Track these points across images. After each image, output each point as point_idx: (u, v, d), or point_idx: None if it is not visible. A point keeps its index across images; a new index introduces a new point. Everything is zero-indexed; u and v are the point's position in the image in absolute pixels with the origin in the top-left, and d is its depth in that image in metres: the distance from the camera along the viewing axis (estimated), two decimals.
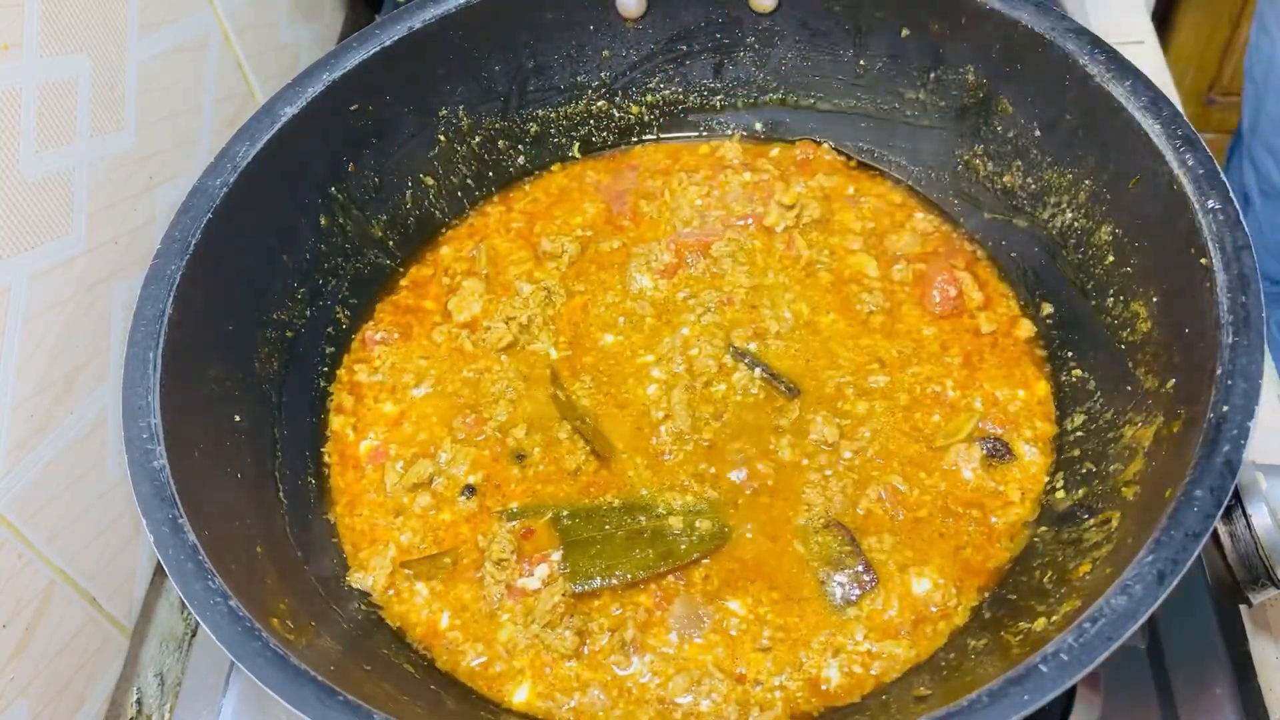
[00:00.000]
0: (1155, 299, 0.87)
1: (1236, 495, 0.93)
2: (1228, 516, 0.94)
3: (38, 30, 0.86)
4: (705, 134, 1.22)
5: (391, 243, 1.13)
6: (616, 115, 1.21)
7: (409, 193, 1.14)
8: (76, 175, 0.92)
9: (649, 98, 1.20)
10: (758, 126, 1.21)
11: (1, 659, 0.83)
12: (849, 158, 1.18)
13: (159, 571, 1.06)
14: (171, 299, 0.85)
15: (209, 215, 0.90)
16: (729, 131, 1.22)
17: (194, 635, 1.07)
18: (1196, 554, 0.66)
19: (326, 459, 1.01)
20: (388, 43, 1.02)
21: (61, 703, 0.90)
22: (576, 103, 1.19)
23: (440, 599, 0.92)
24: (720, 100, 1.20)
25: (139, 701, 1.02)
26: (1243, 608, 0.98)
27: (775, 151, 1.20)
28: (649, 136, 1.22)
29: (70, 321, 0.91)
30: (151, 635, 1.05)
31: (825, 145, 1.19)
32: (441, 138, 1.14)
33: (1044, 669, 0.63)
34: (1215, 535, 0.94)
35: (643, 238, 1.14)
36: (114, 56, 0.97)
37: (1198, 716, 0.90)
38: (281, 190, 0.99)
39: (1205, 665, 0.92)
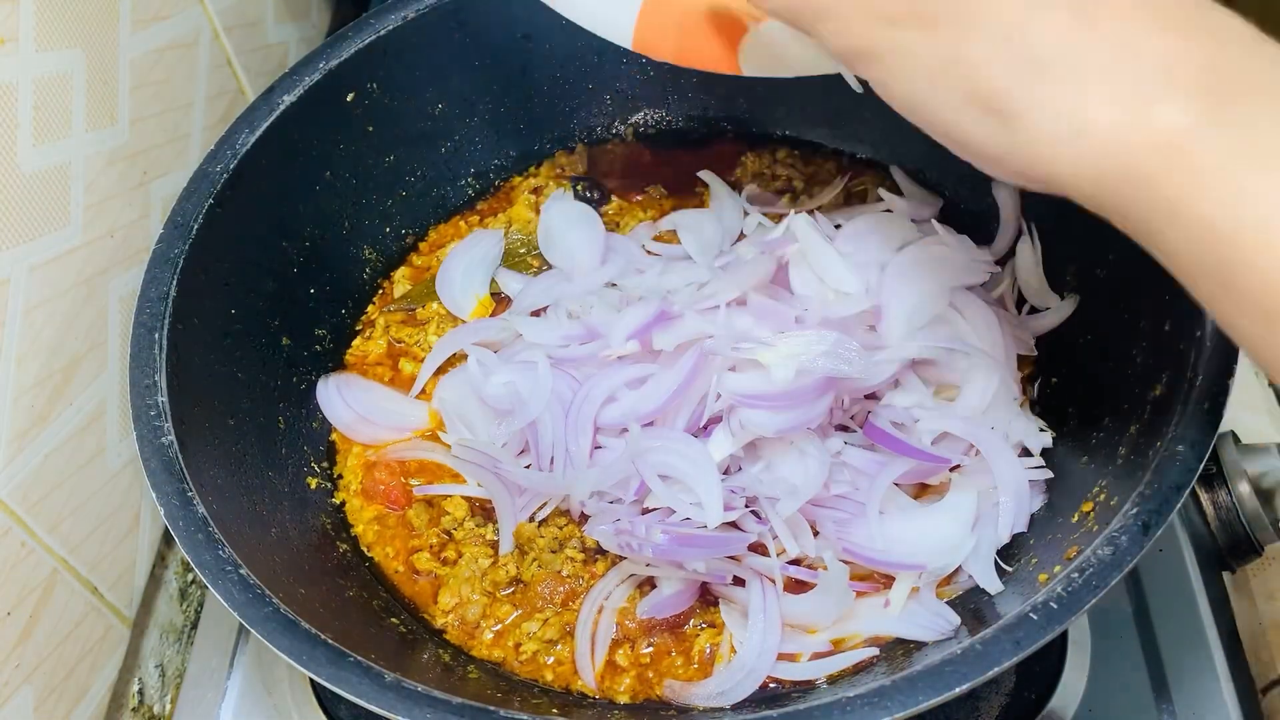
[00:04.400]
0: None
1: (1219, 465, 0.96)
2: (1210, 485, 0.97)
3: (33, 25, 0.88)
4: None
5: (389, 229, 1.15)
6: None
7: (410, 179, 1.16)
8: (73, 168, 0.93)
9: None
10: None
11: (6, 647, 0.84)
12: None
13: (157, 564, 1.07)
14: (175, 281, 0.87)
15: (210, 200, 0.92)
16: None
17: (194, 627, 1.08)
18: (1179, 505, 0.68)
19: (333, 439, 1.04)
20: (383, 31, 1.03)
21: (65, 691, 0.91)
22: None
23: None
24: None
25: (140, 692, 1.03)
26: (1225, 574, 1.00)
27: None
28: None
29: (69, 313, 0.92)
30: (151, 627, 1.06)
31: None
32: (443, 127, 1.16)
33: (1034, 617, 0.65)
34: (1199, 503, 0.96)
35: None
36: (107, 52, 0.98)
37: (1184, 679, 0.92)
38: (281, 176, 1.01)
39: (1191, 629, 0.94)
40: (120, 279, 0.99)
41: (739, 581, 0.87)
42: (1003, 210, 1.06)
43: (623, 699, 0.85)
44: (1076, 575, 0.67)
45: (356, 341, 1.10)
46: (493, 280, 1.11)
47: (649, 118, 1.24)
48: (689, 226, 1.11)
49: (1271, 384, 1.11)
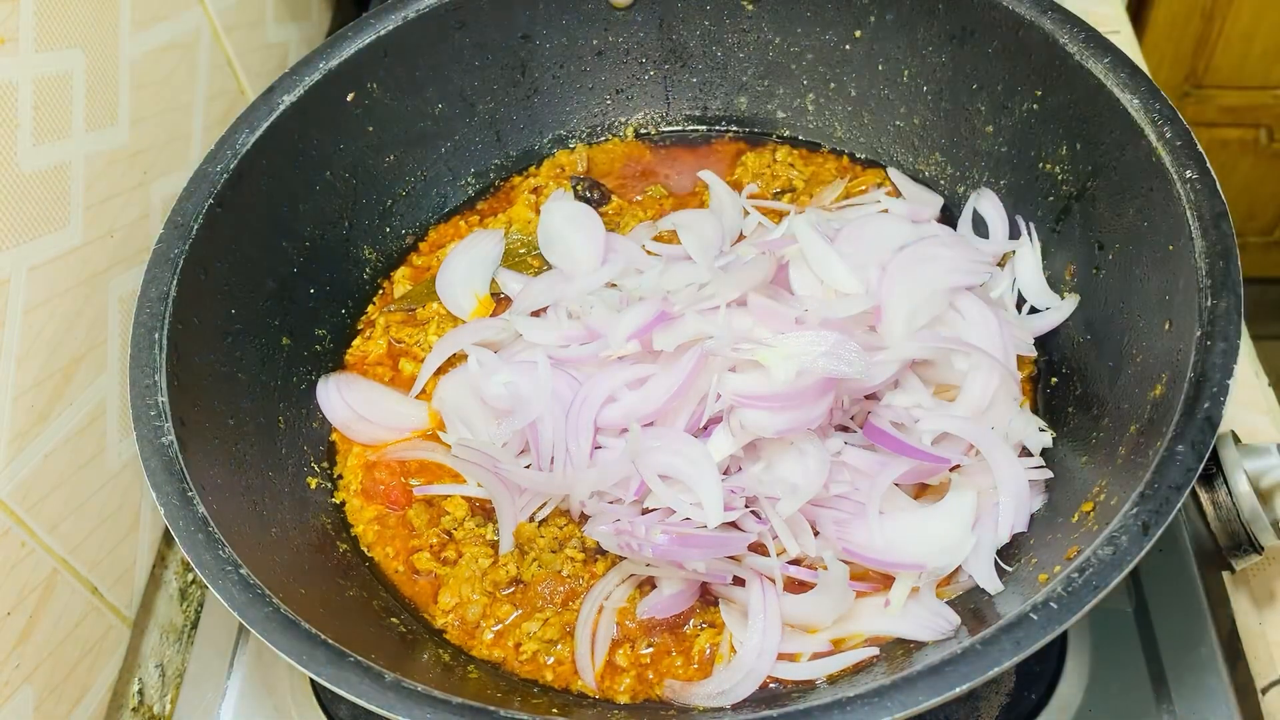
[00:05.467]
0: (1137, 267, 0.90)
1: (1219, 465, 0.96)
2: (1210, 485, 0.97)
3: (33, 25, 0.88)
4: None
5: (389, 229, 1.15)
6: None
7: (410, 179, 1.16)
8: (73, 169, 0.93)
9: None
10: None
11: (6, 646, 0.84)
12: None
13: (157, 564, 1.07)
14: (175, 281, 0.87)
15: (210, 200, 0.93)
16: None
17: (194, 627, 1.08)
18: (1179, 506, 0.68)
19: (333, 439, 1.04)
20: (383, 31, 1.04)
21: (65, 691, 0.91)
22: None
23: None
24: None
25: (140, 691, 1.03)
26: (1225, 574, 1.00)
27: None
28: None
29: (69, 313, 0.92)
30: (151, 627, 1.06)
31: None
32: (443, 127, 1.16)
33: (1034, 617, 0.65)
34: (1199, 503, 0.96)
35: None
36: (107, 52, 0.98)
37: (1185, 679, 0.92)
38: (281, 176, 1.01)
39: (1191, 629, 0.94)
40: (120, 279, 0.99)
41: (739, 581, 0.87)
42: (988, 218, 1.06)
43: (623, 699, 0.85)
44: (1076, 575, 0.67)
45: (356, 341, 1.10)
46: (493, 280, 1.11)
47: (649, 118, 1.25)
48: (689, 226, 1.11)
49: (1272, 384, 1.11)
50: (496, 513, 0.95)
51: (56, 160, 0.91)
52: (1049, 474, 0.90)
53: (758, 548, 0.86)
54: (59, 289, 0.91)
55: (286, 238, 1.03)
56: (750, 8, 1.15)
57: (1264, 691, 0.94)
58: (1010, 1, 0.97)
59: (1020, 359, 0.97)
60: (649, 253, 1.10)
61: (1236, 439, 0.97)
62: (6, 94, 0.84)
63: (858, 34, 1.12)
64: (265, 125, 0.97)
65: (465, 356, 1.02)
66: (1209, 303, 0.76)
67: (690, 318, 0.88)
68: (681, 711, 0.82)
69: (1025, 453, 0.92)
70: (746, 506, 0.86)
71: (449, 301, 1.10)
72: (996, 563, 0.85)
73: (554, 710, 0.80)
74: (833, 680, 0.83)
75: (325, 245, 1.08)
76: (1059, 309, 0.99)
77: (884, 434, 0.88)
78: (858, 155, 1.19)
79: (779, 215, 1.13)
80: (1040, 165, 1.01)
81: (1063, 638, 0.93)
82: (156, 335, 0.84)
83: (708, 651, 0.86)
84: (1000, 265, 1.04)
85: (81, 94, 0.94)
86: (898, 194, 1.14)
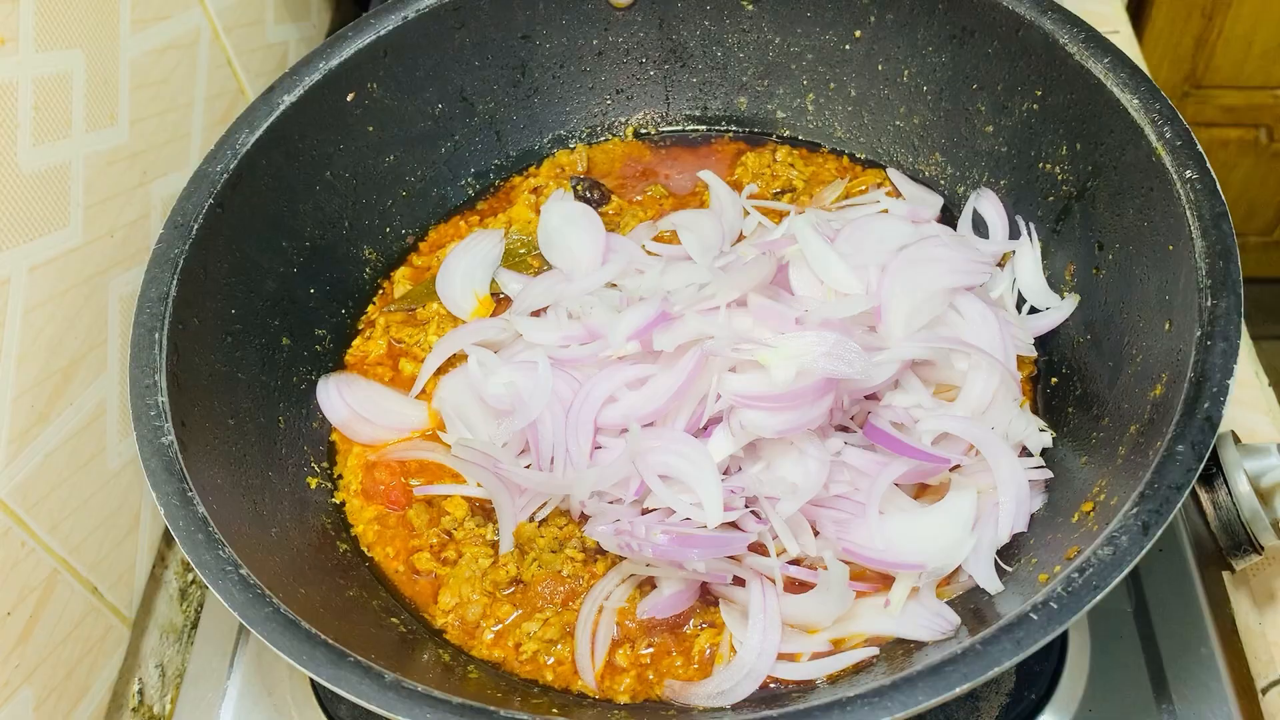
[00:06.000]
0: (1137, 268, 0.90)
1: (1219, 465, 0.96)
2: (1210, 485, 0.97)
3: (32, 25, 0.88)
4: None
5: (389, 229, 1.15)
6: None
7: (410, 179, 1.16)
8: (73, 168, 0.93)
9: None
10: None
11: (6, 647, 0.84)
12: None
13: (157, 564, 1.07)
14: (175, 281, 0.87)
15: (210, 200, 0.93)
16: None
17: (194, 627, 1.08)
18: (1179, 506, 0.68)
19: (333, 439, 1.04)
20: (383, 31, 1.04)
21: (65, 691, 0.91)
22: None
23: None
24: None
25: (140, 692, 1.03)
26: (1225, 574, 1.00)
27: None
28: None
29: (69, 314, 0.92)
30: (151, 627, 1.06)
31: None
32: (443, 127, 1.16)
33: (1034, 617, 0.65)
34: (1199, 503, 0.96)
35: None
36: (107, 52, 0.98)
37: (1185, 679, 0.92)
38: (281, 176, 1.01)
39: (1191, 629, 0.94)
40: (120, 279, 0.99)
41: (739, 581, 0.87)
42: (988, 218, 1.07)
43: (623, 699, 0.85)
44: (1076, 575, 0.67)
45: (356, 341, 1.10)
46: (493, 280, 1.12)
47: (649, 118, 1.25)
48: (689, 226, 1.11)
49: (1272, 384, 1.11)
50: (496, 513, 0.95)
51: (56, 160, 0.91)
52: (1049, 474, 0.90)
53: (758, 548, 0.86)
54: (59, 289, 0.91)
55: (286, 238, 1.03)
56: (750, 8, 1.16)
57: (1264, 691, 0.94)
58: (1010, 1, 0.97)
59: (1020, 359, 0.97)
60: (649, 253, 1.10)
61: (1236, 439, 0.97)
62: (6, 94, 0.84)
63: (858, 34, 1.12)
64: (265, 125, 0.98)
65: (465, 356, 1.02)
66: (1209, 303, 0.76)
67: (690, 318, 0.88)
68: (681, 711, 0.82)
69: (1025, 453, 0.92)
70: (746, 506, 0.86)
71: (449, 301, 1.10)
72: (996, 563, 0.85)
73: (554, 710, 0.80)
74: (833, 680, 0.83)
75: (325, 245, 1.08)
76: (1059, 309, 0.99)
77: (884, 434, 0.88)
78: (858, 155, 1.19)
79: (779, 215, 1.13)
80: (1040, 165, 1.01)
81: (1063, 638, 0.93)
82: (156, 335, 0.85)
83: (708, 651, 0.86)
84: (1000, 265, 1.04)
85: (81, 94, 0.94)
86: (898, 194, 1.14)
